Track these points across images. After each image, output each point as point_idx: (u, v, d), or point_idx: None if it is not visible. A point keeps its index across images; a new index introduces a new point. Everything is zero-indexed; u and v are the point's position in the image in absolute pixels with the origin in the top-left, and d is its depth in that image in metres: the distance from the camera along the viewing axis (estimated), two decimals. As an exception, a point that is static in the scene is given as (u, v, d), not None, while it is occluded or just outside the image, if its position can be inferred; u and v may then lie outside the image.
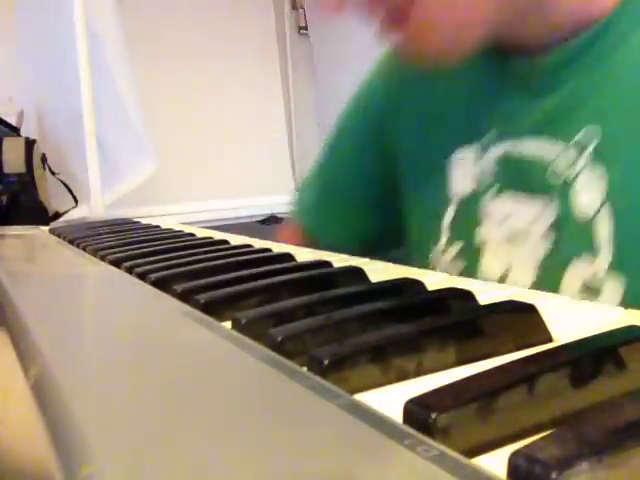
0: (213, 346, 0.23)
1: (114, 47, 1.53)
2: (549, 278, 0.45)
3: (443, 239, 0.54)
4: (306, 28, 2.39)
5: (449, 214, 0.54)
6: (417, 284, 0.31)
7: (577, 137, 0.44)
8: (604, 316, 0.27)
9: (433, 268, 0.55)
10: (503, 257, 0.49)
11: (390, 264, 0.42)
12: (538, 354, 0.20)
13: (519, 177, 0.48)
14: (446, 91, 0.57)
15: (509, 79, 0.50)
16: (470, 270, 0.51)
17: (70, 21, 1.39)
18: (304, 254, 0.45)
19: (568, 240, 0.44)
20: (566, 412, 0.17)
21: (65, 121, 1.61)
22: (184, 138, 2.04)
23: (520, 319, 0.24)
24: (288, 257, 0.42)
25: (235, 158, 2.13)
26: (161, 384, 0.20)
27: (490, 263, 0.50)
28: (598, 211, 0.42)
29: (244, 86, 2.22)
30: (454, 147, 0.54)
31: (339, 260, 0.41)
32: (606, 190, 0.42)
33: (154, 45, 1.98)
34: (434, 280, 0.34)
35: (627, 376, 0.19)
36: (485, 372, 0.18)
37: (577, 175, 0.43)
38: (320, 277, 0.35)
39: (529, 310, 0.24)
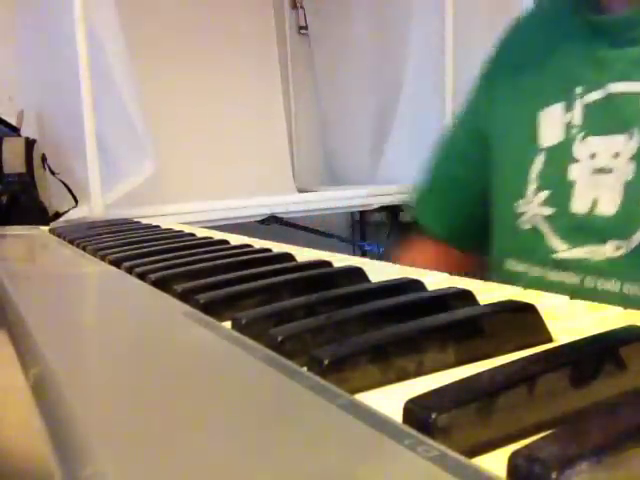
0: (213, 346, 0.23)
1: (114, 47, 1.53)
2: (632, 205, 0.51)
3: (531, 188, 0.59)
4: (306, 28, 2.39)
5: (537, 164, 0.59)
6: (417, 284, 0.31)
7: None
8: (604, 316, 0.27)
9: (518, 216, 0.59)
10: (590, 193, 0.54)
11: (390, 264, 0.42)
12: (538, 354, 0.20)
13: (605, 119, 0.54)
14: (542, 45, 0.63)
15: (599, 32, 0.56)
16: (560, 213, 0.56)
17: (70, 21, 1.39)
18: (304, 254, 0.45)
19: None
20: (566, 412, 0.17)
21: (65, 121, 1.61)
22: (184, 138, 2.04)
23: (520, 319, 0.24)
24: (288, 257, 0.42)
25: (235, 158, 2.13)
26: (161, 384, 0.20)
27: (579, 201, 0.55)
28: None
29: (244, 86, 2.22)
30: (544, 101, 0.60)
31: (339, 260, 0.41)
32: None
33: (154, 45, 1.98)
34: (434, 280, 0.34)
35: (627, 376, 0.19)
36: (485, 372, 0.18)
37: None
38: (320, 277, 0.35)
39: (529, 310, 0.24)
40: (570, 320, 0.26)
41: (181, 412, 0.17)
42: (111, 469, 0.14)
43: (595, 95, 0.56)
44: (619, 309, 0.27)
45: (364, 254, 2.11)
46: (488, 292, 0.30)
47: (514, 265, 0.60)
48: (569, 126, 0.57)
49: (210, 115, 2.12)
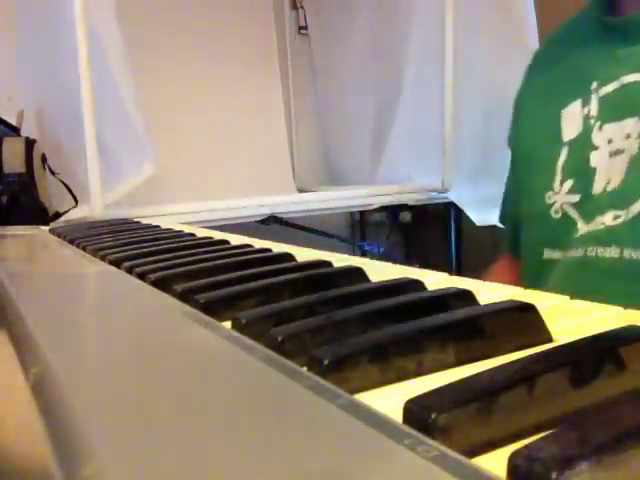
0: (213, 346, 0.23)
1: (114, 47, 1.53)
2: (634, 177, 0.56)
3: (557, 179, 0.65)
4: (306, 28, 2.39)
5: (562, 157, 0.65)
6: (417, 284, 0.31)
7: None
8: (604, 316, 0.27)
9: (548, 207, 0.64)
10: (607, 175, 0.59)
11: (390, 264, 0.42)
12: (538, 354, 0.20)
13: (618, 106, 0.60)
14: (565, 50, 0.70)
15: (614, 32, 0.62)
16: (585, 198, 0.60)
17: (70, 21, 1.39)
18: (304, 254, 0.45)
19: None
20: (566, 412, 0.17)
21: (65, 121, 1.61)
22: (184, 138, 2.04)
23: (520, 319, 0.24)
24: (288, 257, 0.42)
25: (235, 158, 2.13)
26: (161, 384, 0.20)
27: (598, 184, 0.60)
28: None
29: (244, 86, 2.22)
30: (565, 100, 0.66)
31: (339, 260, 0.41)
32: None
33: (154, 45, 1.98)
34: (434, 280, 0.34)
35: (627, 376, 0.19)
36: (485, 372, 0.18)
37: None
38: (320, 277, 0.35)
39: (529, 310, 0.24)
40: (570, 320, 0.26)
41: (181, 412, 0.17)
42: (111, 469, 0.14)
43: (609, 87, 0.61)
44: (619, 309, 0.27)
45: (364, 254, 2.11)
46: (488, 292, 0.30)
47: (550, 253, 0.65)
48: (587, 118, 0.63)
49: (210, 115, 2.12)
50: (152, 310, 0.31)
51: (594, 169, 0.61)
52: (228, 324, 0.27)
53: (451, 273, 0.37)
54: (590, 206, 0.60)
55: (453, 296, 0.28)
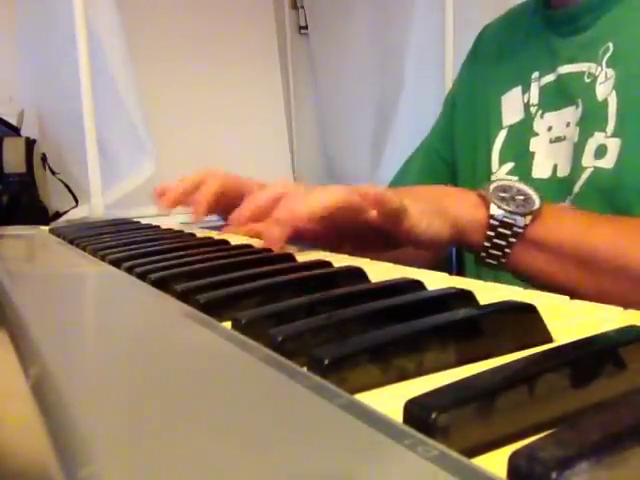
0: (213, 346, 0.23)
1: (114, 47, 1.53)
2: (577, 158, 0.60)
3: (495, 160, 0.69)
4: (306, 28, 2.39)
5: (499, 140, 0.69)
6: (417, 284, 0.31)
7: (599, 56, 0.60)
8: (604, 316, 0.27)
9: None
10: (550, 160, 0.64)
11: (390, 264, 0.42)
12: (538, 354, 0.20)
13: (556, 96, 0.64)
14: (505, 41, 0.74)
15: (552, 25, 0.67)
16: (524, 180, 0.62)
17: (70, 21, 1.39)
18: (304, 254, 0.45)
19: (590, 121, 0.59)
20: (566, 412, 0.17)
21: (65, 121, 1.61)
22: (184, 138, 2.04)
23: (520, 319, 0.24)
24: (288, 257, 0.42)
25: (235, 158, 2.13)
26: (161, 384, 0.20)
27: (541, 168, 0.65)
28: (609, 96, 0.58)
29: (244, 86, 2.22)
30: (505, 86, 0.70)
31: (339, 260, 0.41)
32: (613, 83, 0.58)
33: (154, 45, 1.98)
34: (434, 280, 0.34)
35: (627, 376, 0.19)
36: (485, 372, 0.18)
37: (596, 77, 0.60)
38: (320, 277, 0.35)
39: (529, 310, 0.24)
40: (570, 320, 0.26)
41: (181, 412, 0.17)
42: (111, 469, 0.14)
43: (548, 78, 0.66)
44: (619, 309, 0.27)
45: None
46: (488, 292, 0.30)
47: None
48: (527, 106, 0.67)
49: (210, 115, 2.12)
50: (152, 310, 0.31)
51: (532, 153, 0.65)
52: (228, 324, 0.27)
53: (451, 273, 0.37)
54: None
55: (453, 296, 0.28)
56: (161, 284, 0.35)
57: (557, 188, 0.61)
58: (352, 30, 2.13)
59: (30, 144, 1.67)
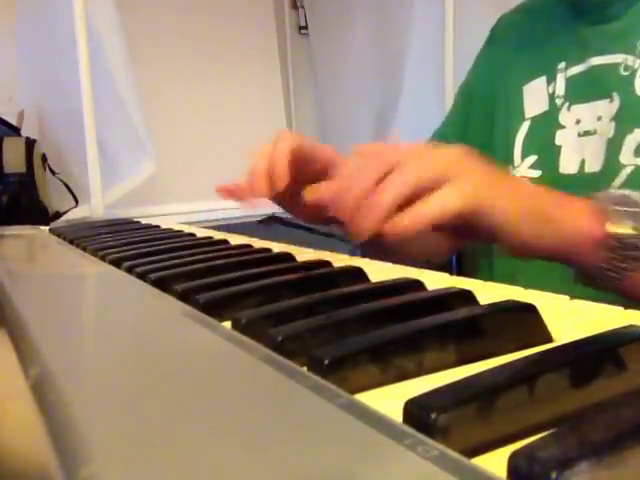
0: (213, 346, 0.23)
1: (114, 47, 1.53)
2: (612, 158, 0.57)
3: (517, 154, 0.65)
4: (306, 28, 2.39)
5: (522, 132, 0.65)
6: (417, 284, 0.31)
7: (637, 48, 0.57)
8: (604, 316, 0.27)
9: None
10: (578, 154, 0.60)
11: (390, 264, 0.42)
12: (538, 354, 0.20)
13: (587, 88, 0.60)
14: (529, 28, 0.70)
15: (581, 12, 0.63)
16: (548, 175, 0.60)
17: (70, 21, 1.39)
18: (304, 254, 0.45)
19: (628, 117, 0.57)
20: (566, 412, 0.17)
21: (65, 121, 1.61)
22: (184, 138, 2.04)
23: (520, 319, 0.24)
24: (288, 257, 0.42)
25: (235, 158, 2.13)
26: (161, 384, 0.20)
27: (568, 162, 0.61)
28: None
29: (244, 86, 2.22)
30: (528, 76, 0.66)
31: (339, 260, 0.41)
32: None
33: (154, 45, 1.98)
34: (434, 280, 0.34)
35: (627, 376, 0.19)
36: (485, 372, 0.18)
37: (635, 70, 0.57)
38: (320, 277, 0.35)
39: (529, 310, 0.24)
40: (570, 320, 0.26)
41: (181, 412, 0.17)
42: (110, 469, 0.14)
43: (577, 68, 0.62)
44: (619, 309, 0.27)
45: (364, 254, 2.11)
46: (488, 292, 0.30)
47: None
48: (553, 97, 0.64)
49: (210, 115, 2.12)
50: (152, 310, 0.31)
51: (559, 147, 0.62)
52: (228, 324, 0.27)
53: (451, 273, 0.37)
54: (556, 184, 0.55)
55: (453, 296, 0.28)
56: (161, 284, 0.35)
57: (585, 184, 0.57)
58: (352, 30, 2.13)
59: (30, 144, 1.67)
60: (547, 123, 0.63)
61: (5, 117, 1.73)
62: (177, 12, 2.07)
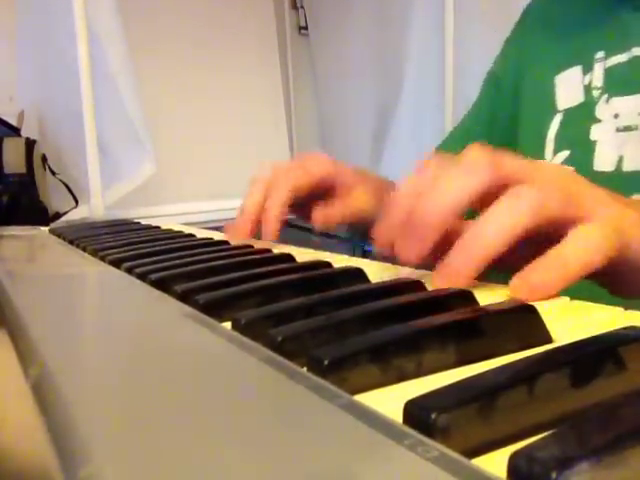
0: (213, 347, 0.23)
1: (114, 47, 1.53)
2: None
3: (549, 149, 0.61)
4: (306, 28, 2.39)
5: (554, 125, 0.61)
6: (417, 284, 0.31)
7: None
8: (604, 316, 0.27)
9: None
10: (615, 151, 0.56)
11: (390, 264, 0.42)
12: (538, 354, 0.20)
13: (629, 80, 0.56)
14: (561, 13, 0.65)
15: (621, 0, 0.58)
16: (582, 172, 0.55)
17: (70, 21, 1.39)
18: (304, 254, 0.45)
19: None
20: (566, 412, 0.17)
21: (65, 121, 1.61)
22: (184, 138, 2.04)
23: (520, 320, 0.24)
24: (288, 257, 0.42)
25: (235, 158, 2.13)
26: (161, 384, 0.20)
27: (603, 159, 0.56)
28: None
29: (244, 86, 2.22)
30: (561, 65, 0.61)
31: (339, 260, 0.41)
32: None
33: (154, 45, 1.98)
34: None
35: (627, 376, 0.19)
36: (485, 372, 0.18)
37: None
38: (320, 277, 0.35)
39: (529, 310, 0.24)
40: (570, 320, 0.26)
41: (180, 412, 0.17)
42: (110, 469, 0.14)
43: (618, 58, 0.57)
44: (619, 309, 0.27)
45: (364, 254, 2.11)
46: (488, 292, 0.30)
47: None
48: (589, 88, 0.58)
49: (210, 115, 2.12)
50: (152, 310, 0.31)
51: (593, 142, 0.57)
52: (228, 324, 0.27)
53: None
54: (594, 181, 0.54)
55: (453, 296, 0.28)
56: (161, 284, 0.35)
57: (622, 183, 0.53)
58: (352, 30, 2.13)
59: (30, 144, 1.67)
60: (581, 116, 0.59)
61: (5, 117, 1.73)
62: (177, 12, 2.08)
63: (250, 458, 0.14)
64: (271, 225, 0.53)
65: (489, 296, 0.29)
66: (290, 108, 2.37)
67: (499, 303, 0.26)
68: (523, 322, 0.24)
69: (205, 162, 2.07)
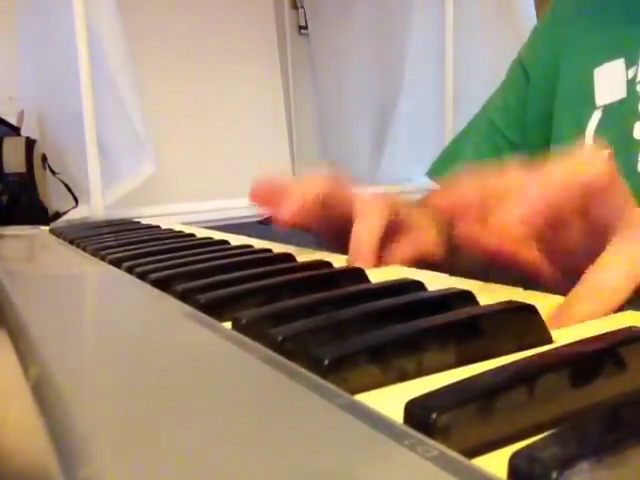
0: (213, 346, 0.23)
1: (114, 47, 1.53)
2: None
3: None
4: (306, 28, 2.39)
5: (593, 122, 0.56)
6: (417, 285, 0.31)
7: None
8: (604, 317, 0.27)
9: None
10: None
11: (390, 265, 0.42)
12: (538, 354, 0.20)
13: None
14: (600, 1, 0.61)
15: None
16: (625, 173, 0.53)
17: (70, 21, 1.39)
18: (304, 254, 0.45)
19: None
20: (566, 412, 0.17)
21: (65, 121, 1.61)
22: (184, 138, 2.04)
23: (520, 320, 0.24)
24: (288, 257, 0.42)
25: (235, 158, 2.13)
26: (161, 384, 0.20)
27: None
28: None
29: (244, 86, 2.22)
30: (601, 57, 0.57)
31: (339, 260, 0.41)
32: None
33: (154, 45, 1.98)
34: (434, 280, 0.34)
35: (627, 376, 0.19)
36: (485, 372, 0.18)
37: None
38: (320, 277, 0.35)
39: (529, 311, 0.24)
40: (570, 320, 0.26)
41: (180, 412, 0.17)
42: (111, 469, 0.14)
43: None
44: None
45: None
46: (488, 292, 0.30)
47: None
48: (633, 83, 0.55)
49: (210, 115, 2.12)
50: (152, 310, 0.31)
51: (637, 142, 0.53)
52: (228, 324, 0.27)
53: (451, 274, 0.37)
54: (635, 184, 0.48)
55: (453, 296, 0.28)
56: (161, 284, 0.35)
57: None
58: (352, 30, 2.13)
59: (30, 144, 1.67)
60: (624, 113, 0.55)
61: (5, 117, 1.73)
62: (177, 12, 2.08)
63: (250, 458, 0.14)
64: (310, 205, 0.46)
65: (489, 296, 0.29)
66: (290, 108, 2.37)
67: (499, 303, 0.26)
68: (523, 322, 0.24)
69: (205, 162, 2.07)
